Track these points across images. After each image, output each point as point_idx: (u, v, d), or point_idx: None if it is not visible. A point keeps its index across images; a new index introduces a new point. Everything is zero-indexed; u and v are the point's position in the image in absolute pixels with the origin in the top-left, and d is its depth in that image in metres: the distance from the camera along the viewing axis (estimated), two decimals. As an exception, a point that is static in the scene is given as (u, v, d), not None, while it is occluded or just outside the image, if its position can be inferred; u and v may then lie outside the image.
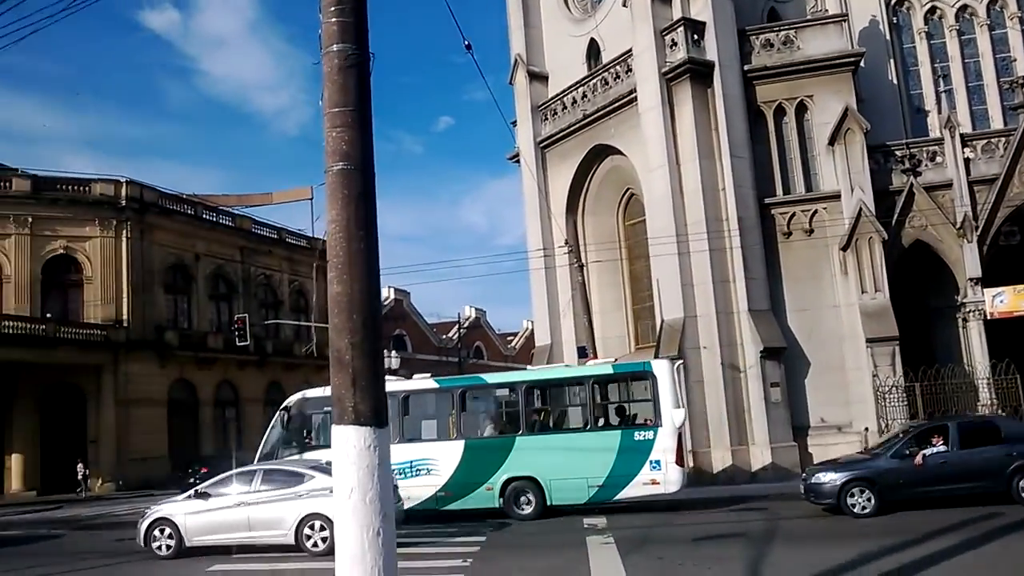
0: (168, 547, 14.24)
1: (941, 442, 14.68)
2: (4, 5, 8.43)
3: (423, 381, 19.18)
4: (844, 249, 22.70)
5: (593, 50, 28.51)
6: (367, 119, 4.97)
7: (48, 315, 34.11)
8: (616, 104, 25.69)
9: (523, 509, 17.21)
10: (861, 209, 22.35)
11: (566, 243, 25.67)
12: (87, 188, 36.72)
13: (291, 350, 45.25)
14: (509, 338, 73.68)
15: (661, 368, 17.36)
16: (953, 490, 14.27)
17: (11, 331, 31.93)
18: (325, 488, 13.41)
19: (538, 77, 29.88)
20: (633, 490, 16.76)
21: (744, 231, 22.61)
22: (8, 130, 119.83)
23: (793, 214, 23.46)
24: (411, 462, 17.72)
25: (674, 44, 23.69)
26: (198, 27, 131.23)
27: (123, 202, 36.75)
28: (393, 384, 18.33)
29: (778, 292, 23.19)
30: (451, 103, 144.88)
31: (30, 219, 35.05)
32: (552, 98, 28.96)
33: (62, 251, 35.73)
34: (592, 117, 26.72)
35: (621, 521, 15.80)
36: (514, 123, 29.93)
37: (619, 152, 26.21)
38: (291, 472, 14.68)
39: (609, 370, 18.21)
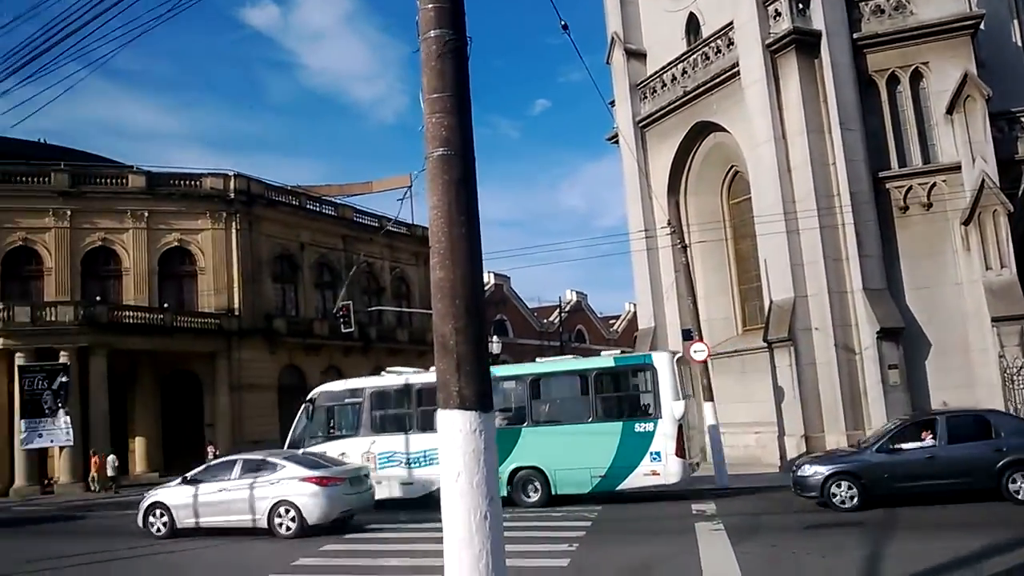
0: (162, 528, 15.70)
1: (930, 436, 14.37)
2: (114, 9, 8.84)
3: (429, 374, 19.38)
4: (966, 223, 21.59)
5: (692, 25, 27.92)
6: (466, 104, 5.00)
7: (165, 305, 35.94)
8: (718, 79, 25.13)
9: (530, 497, 17.78)
10: (984, 180, 21.18)
11: (668, 224, 25.29)
12: (198, 183, 38.42)
13: (394, 336, 46.27)
14: (611, 321, 73.33)
15: (661, 360, 17.59)
16: (939, 486, 13.96)
17: (131, 321, 33.81)
18: (294, 477, 15.01)
19: (636, 55, 29.48)
20: (634, 481, 17.14)
21: (857, 206, 21.80)
22: (123, 129, 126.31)
23: (910, 188, 22.47)
24: (424, 452, 18.51)
25: (777, 14, 22.97)
26: (297, 21, 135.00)
27: (232, 195, 38.30)
28: (411, 377, 19.96)
29: (895, 270, 22.29)
30: (547, 86, 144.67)
31: (146, 214, 36.94)
32: (651, 76, 28.52)
33: (176, 244, 37.54)
34: (693, 94, 26.21)
35: (731, 506, 15.59)
36: (612, 103, 29.64)
37: (722, 128, 25.64)
38: (266, 462, 15.78)
39: (611, 363, 18.51)
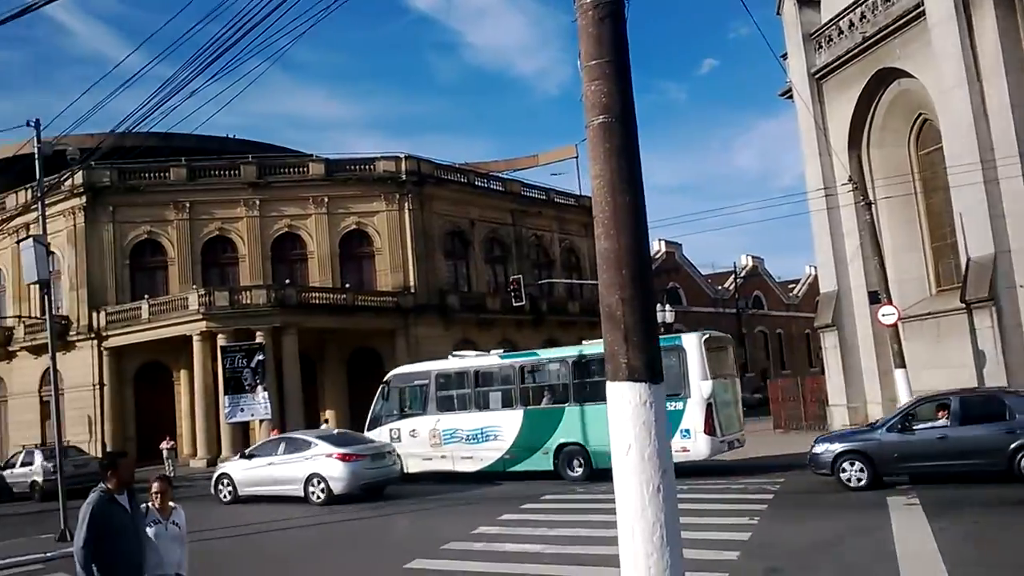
0: (227, 495, 18.98)
1: (944, 416, 13.92)
2: (289, 2, 9.29)
3: (490, 357, 21.59)
4: None
5: (870, -36, 26.05)
6: (625, 69, 4.89)
7: (347, 285, 37.91)
8: (900, 21, 23.37)
9: (575, 471, 18.72)
10: None
11: (850, 180, 23.88)
12: (372, 166, 40.14)
13: (565, 308, 46.59)
14: (790, 286, 70.59)
15: (690, 342, 17.91)
16: (950, 467, 13.66)
17: (317, 301, 35.95)
18: (323, 454, 17.72)
19: (808, 3, 27.90)
20: None
21: (1067, 151, 19.71)
22: (304, 120, 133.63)
23: None
24: (482, 429, 20.15)
25: (969, -58, 21.01)
26: (460, 2, 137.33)
27: (403, 176, 39.74)
28: (470, 360, 21.72)
29: (1116, 219, 20.03)
30: (714, 43, 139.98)
31: (326, 199, 39.06)
32: (826, 24, 26.92)
33: (354, 226, 39.50)
34: (873, 39, 24.52)
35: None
36: (784, 56, 28.25)
37: (907, 74, 23.86)
38: (304, 441, 18.79)
39: (674, 342, 18.31)
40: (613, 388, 4.83)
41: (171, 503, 6.27)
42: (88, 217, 37.22)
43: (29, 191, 37.87)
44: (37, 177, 19.85)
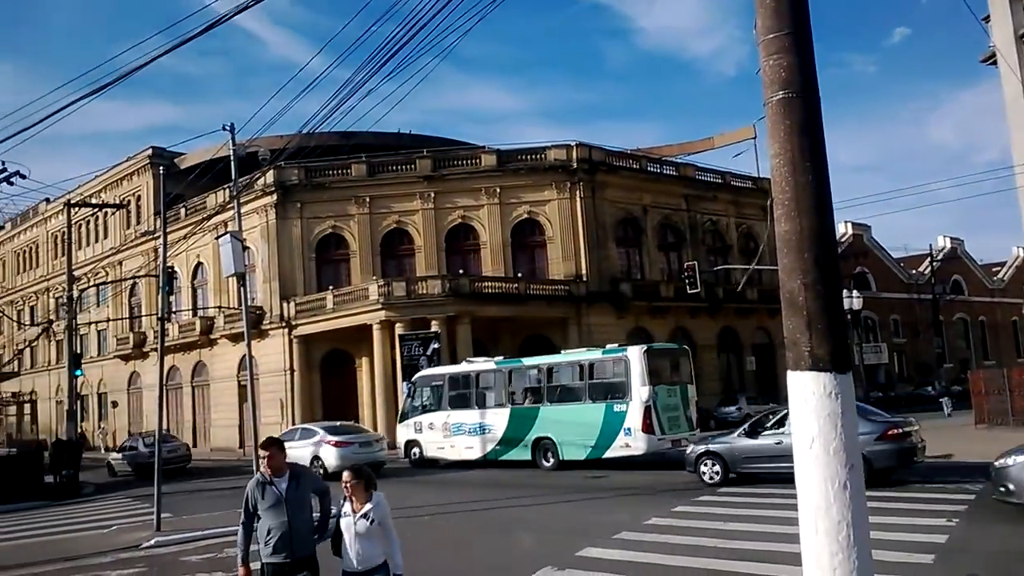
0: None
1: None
2: (455, 1, 9.52)
3: (489, 363, 25.79)
4: None
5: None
6: (806, 40, 4.66)
7: (519, 274, 38.53)
8: None
9: (548, 461, 22.17)
10: None
11: (1065, 152, 21.75)
12: (543, 155, 40.51)
13: (742, 295, 45.23)
14: (995, 269, 65.34)
15: (633, 354, 21.16)
16: (784, 469, 13.91)
17: (490, 290, 36.75)
18: (322, 440, 23.62)
19: (1016, -42, 25.56)
20: (613, 451, 20.86)
21: None
22: (477, 113, 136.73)
23: None
24: (479, 423, 24.09)
25: None
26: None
27: (575, 164, 39.85)
28: (469, 365, 26.14)
29: None
30: (905, 10, 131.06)
31: (498, 189, 39.82)
32: (1036, -20, 24.57)
33: (526, 215, 40.03)
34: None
35: None
36: (986, 19, 26.01)
37: None
38: (310, 430, 24.81)
39: (599, 355, 22.54)
40: (795, 378, 4.64)
41: (368, 495, 5.88)
42: (279, 214, 39.86)
43: (226, 191, 41.02)
44: (233, 177, 21.46)
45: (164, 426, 19.18)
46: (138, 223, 49.74)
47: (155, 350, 45.09)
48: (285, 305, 39.22)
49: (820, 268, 4.55)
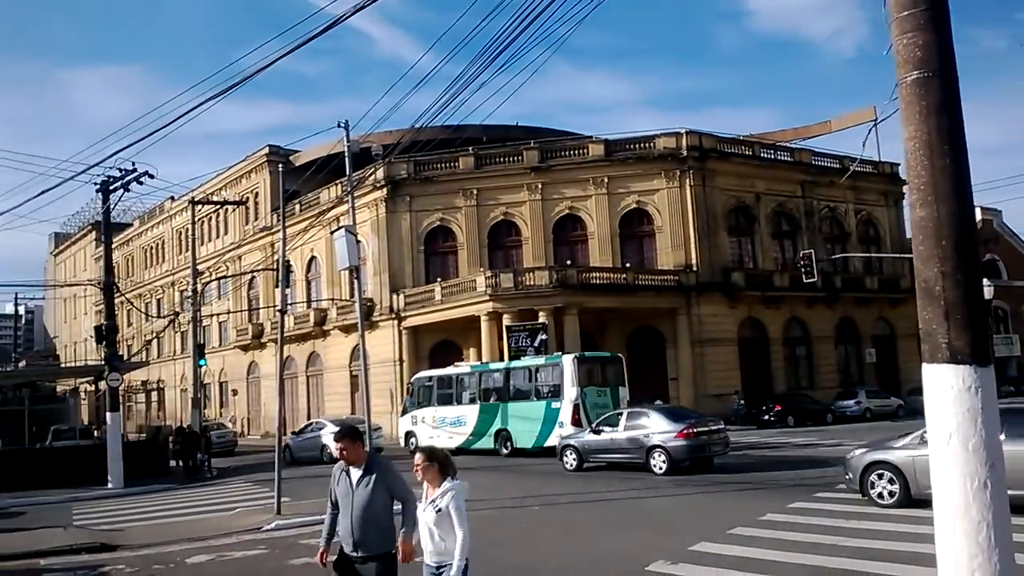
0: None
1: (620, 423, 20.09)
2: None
3: (464, 366, 30.83)
4: None
5: None
6: (944, 17, 4.45)
7: (627, 265, 38.28)
8: None
9: (506, 449, 26.72)
10: None
11: None
12: (651, 144, 40.06)
13: (862, 284, 43.69)
14: None
15: (566, 360, 26.18)
16: (617, 459, 19.91)
17: (598, 281, 36.64)
18: (329, 432, 25.08)
19: None
20: (551, 441, 24.30)
21: None
22: (584, 103, 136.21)
23: None
24: (457, 417, 29.05)
25: None
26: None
27: (684, 152, 39.25)
28: (451, 369, 31.20)
29: None
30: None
31: (606, 179, 39.66)
32: None
33: (634, 205, 39.74)
34: None
35: None
36: None
37: None
38: (320, 423, 28.59)
39: (542, 360, 27.67)
40: (931, 371, 4.46)
41: (442, 480, 5.48)
42: (388, 208, 40.81)
43: (338, 186, 42.25)
44: (347, 173, 22.08)
45: (282, 414, 19.90)
46: (256, 219, 51.77)
47: (273, 341, 47.01)
48: (395, 297, 40.15)
49: (959, 256, 4.37)
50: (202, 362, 35.27)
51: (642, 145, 40.31)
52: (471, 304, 36.36)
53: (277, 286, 33.46)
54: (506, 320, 35.17)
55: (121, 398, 26.58)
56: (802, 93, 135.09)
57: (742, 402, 36.25)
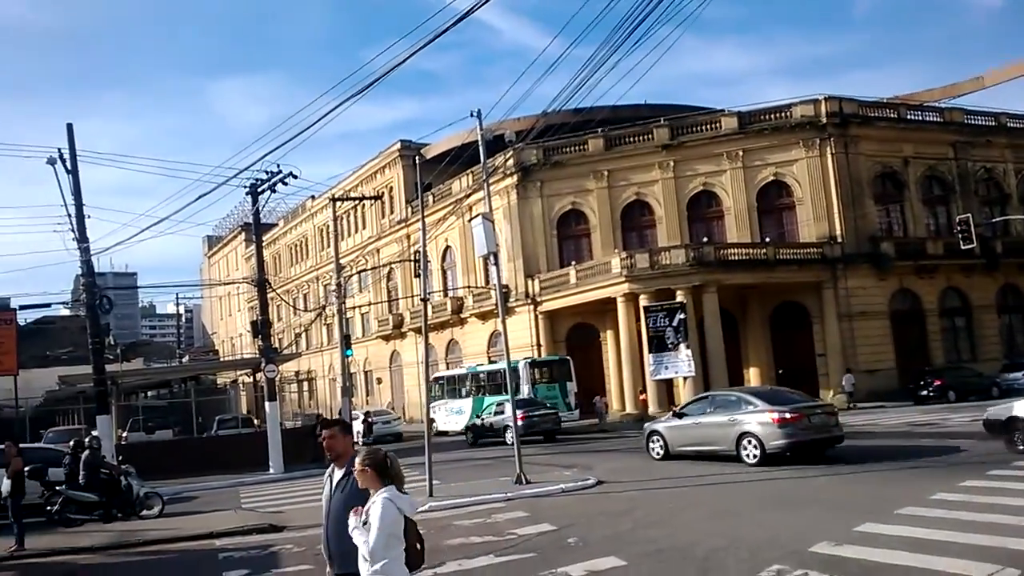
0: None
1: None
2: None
3: (462, 369, 39.65)
4: None
5: None
6: None
7: (766, 239, 37.11)
8: None
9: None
10: None
11: None
12: (787, 113, 38.60)
13: (1025, 248, 40.73)
14: None
15: (522, 364, 33.58)
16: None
17: (736, 257, 35.76)
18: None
19: None
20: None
21: None
22: (714, 76, 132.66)
23: None
24: (459, 408, 36.41)
25: None
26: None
27: (823, 120, 37.62)
28: (457, 369, 40.76)
29: None
30: None
31: (740, 152, 38.57)
32: None
33: (772, 177, 38.48)
34: None
35: None
36: None
37: None
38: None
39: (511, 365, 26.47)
40: None
41: (380, 488, 4.62)
42: (520, 194, 41.08)
43: (469, 176, 42.85)
44: (481, 161, 22.32)
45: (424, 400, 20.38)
46: (392, 212, 53.22)
47: (413, 330, 48.37)
48: (529, 282, 40.43)
49: None
50: (349, 352, 36.66)
51: (778, 115, 38.88)
52: (606, 286, 36.18)
53: (417, 276, 34.45)
54: (643, 301, 34.79)
55: (276, 388, 27.85)
56: (949, 49, 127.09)
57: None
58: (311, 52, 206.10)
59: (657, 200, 39.58)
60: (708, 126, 39.63)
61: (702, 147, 39.05)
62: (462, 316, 45.53)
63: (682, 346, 33.33)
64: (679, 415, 19.42)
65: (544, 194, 41.10)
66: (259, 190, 26.03)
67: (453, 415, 37.07)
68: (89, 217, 23.60)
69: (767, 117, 38.95)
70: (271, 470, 24.99)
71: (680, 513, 12.48)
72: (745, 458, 16.77)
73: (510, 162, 39.92)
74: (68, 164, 23.19)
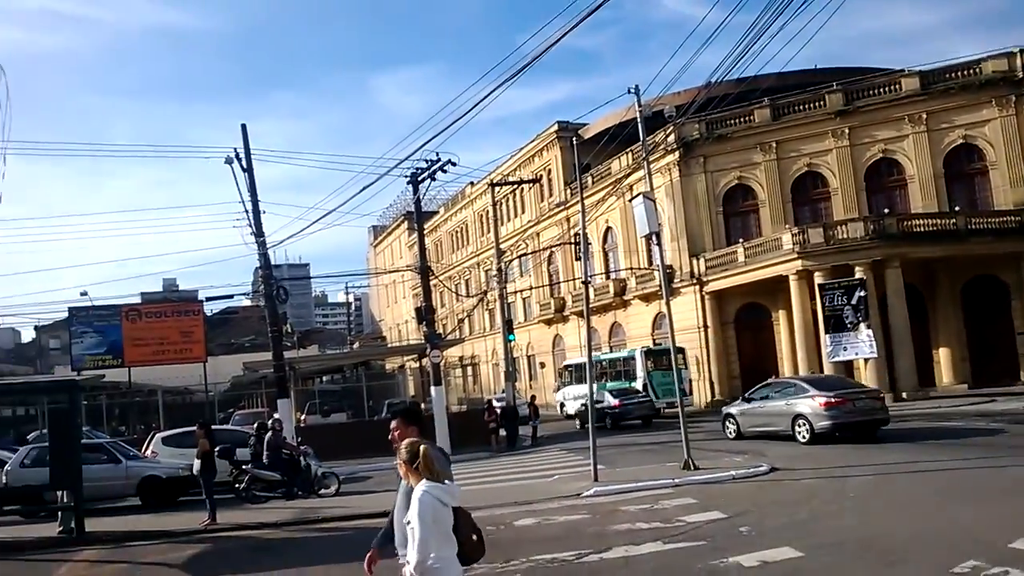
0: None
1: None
2: None
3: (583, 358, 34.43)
4: None
5: None
6: None
7: (956, 208, 34.61)
8: None
9: None
10: None
11: None
12: (976, 70, 35.76)
13: None
14: None
15: (637, 352, 36.54)
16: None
17: (921, 229, 33.51)
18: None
19: None
20: None
21: None
22: (886, 34, 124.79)
23: None
24: (577, 395, 36.08)
25: None
26: None
27: (1019, 74, 34.59)
28: (578, 359, 39.89)
29: None
30: None
31: (924, 115, 36.15)
32: None
33: (960, 141, 35.89)
34: None
35: None
36: None
37: None
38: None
39: (626, 354, 37.75)
40: None
41: (419, 482, 4.57)
42: (682, 171, 40.26)
43: (629, 155, 42.39)
44: (641, 138, 22.00)
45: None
46: (551, 195, 53.49)
47: (575, 314, 48.50)
48: (694, 262, 39.62)
49: None
50: (511, 337, 37.21)
51: (965, 72, 36.02)
52: (777, 264, 34.88)
53: (578, 259, 34.53)
54: (817, 278, 33.30)
55: (441, 373, 28.70)
56: None
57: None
58: (467, 39, 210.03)
59: (831, 171, 37.73)
60: (886, 89, 37.28)
61: (880, 111, 36.80)
62: (625, 298, 45.22)
63: (862, 326, 31.64)
64: (748, 400, 22.45)
65: (708, 169, 40.09)
66: (419, 179, 26.83)
67: (578, 400, 37.41)
68: (264, 212, 25.06)
69: (953, 75, 36.16)
70: (439, 453, 25.78)
71: (861, 503, 11.90)
72: (798, 437, 19.46)
73: (671, 138, 39.15)
74: (243, 163, 24.68)
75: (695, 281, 39.55)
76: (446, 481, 4.60)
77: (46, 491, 16.11)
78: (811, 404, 19.38)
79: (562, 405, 40.36)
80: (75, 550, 13.42)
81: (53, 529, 15.16)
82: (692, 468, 16.15)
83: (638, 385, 34.52)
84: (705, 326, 39.26)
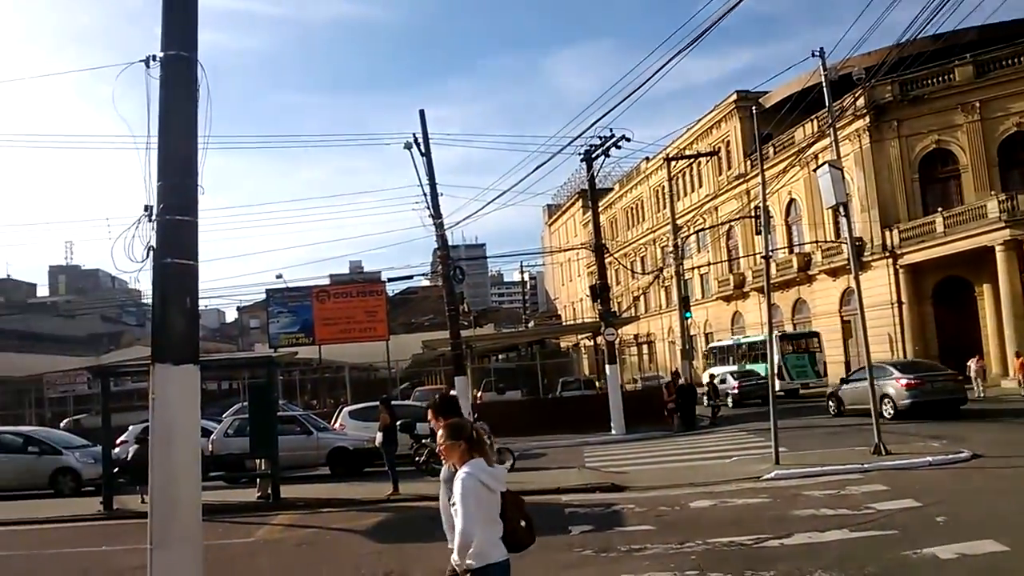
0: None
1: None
2: None
3: (729, 340, 45.71)
4: None
5: None
6: None
7: None
8: None
9: None
10: None
11: None
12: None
13: None
14: None
15: (773, 337, 26.25)
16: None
17: None
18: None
19: None
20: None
21: None
22: None
23: None
24: (730, 373, 37.07)
25: None
26: None
27: None
28: (728, 341, 45.72)
29: None
30: None
31: (977, 104, 34.33)
32: None
33: (1015, 129, 33.92)
34: None
35: None
36: None
37: None
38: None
39: (761, 338, 36.54)
40: None
41: (460, 460, 4.55)
42: (872, 137, 38.05)
43: (813, 122, 40.47)
44: (826, 103, 20.94)
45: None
46: (729, 168, 52.00)
47: (755, 290, 47.08)
48: (887, 233, 37.44)
49: None
50: (688, 315, 36.61)
51: (1021, 59, 32.27)
52: (981, 234, 32.37)
53: (758, 233, 33.43)
54: (1027, 249, 30.70)
55: (616, 351, 28.63)
56: None
57: None
58: (639, 13, 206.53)
59: (1047, 131, 34.56)
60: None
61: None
62: (810, 273, 43.40)
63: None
64: (846, 381, 25.10)
65: (902, 134, 37.64)
66: (593, 156, 26.79)
67: (727, 382, 37.98)
68: (442, 195, 25.84)
69: (1008, 62, 32.91)
70: (613, 431, 25.82)
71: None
72: (884, 414, 20.77)
73: (860, 102, 36.98)
74: (422, 148, 25.55)
75: (888, 254, 37.36)
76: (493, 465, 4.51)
77: (247, 459, 17.55)
78: (894, 385, 22.39)
79: (709, 387, 40.57)
80: (272, 514, 14.52)
81: (252, 494, 16.47)
82: (884, 453, 15.35)
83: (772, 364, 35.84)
84: (899, 302, 37.06)
